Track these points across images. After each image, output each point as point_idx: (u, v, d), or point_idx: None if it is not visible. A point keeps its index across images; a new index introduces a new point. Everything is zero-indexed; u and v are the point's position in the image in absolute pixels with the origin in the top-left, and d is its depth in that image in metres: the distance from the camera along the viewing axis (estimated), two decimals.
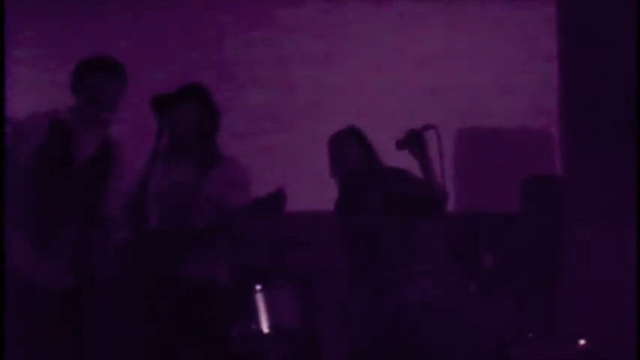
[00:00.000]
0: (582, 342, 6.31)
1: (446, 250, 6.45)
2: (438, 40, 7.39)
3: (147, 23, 7.46)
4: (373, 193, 5.20)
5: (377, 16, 7.45)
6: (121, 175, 4.80)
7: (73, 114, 4.74)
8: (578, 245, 6.78)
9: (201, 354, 4.66)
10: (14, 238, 4.56)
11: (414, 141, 5.10)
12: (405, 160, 5.22)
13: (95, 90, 4.71)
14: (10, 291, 4.54)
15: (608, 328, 6.42)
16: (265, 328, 6.02)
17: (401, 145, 5.14)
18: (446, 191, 5.14)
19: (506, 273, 6.80)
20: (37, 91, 7.26)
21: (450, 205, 5.35)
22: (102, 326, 4.75)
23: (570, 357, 6.31)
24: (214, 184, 4.65)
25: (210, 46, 7.46)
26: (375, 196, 5.20)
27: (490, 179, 7.10)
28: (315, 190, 7.30)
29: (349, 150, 5.32)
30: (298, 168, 7.34)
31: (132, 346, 4.84)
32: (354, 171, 5.29)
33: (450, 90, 7.28)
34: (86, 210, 4.66)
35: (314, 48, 7.45)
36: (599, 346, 6.30)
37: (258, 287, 6.09)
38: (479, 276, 6.52)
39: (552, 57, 7.33)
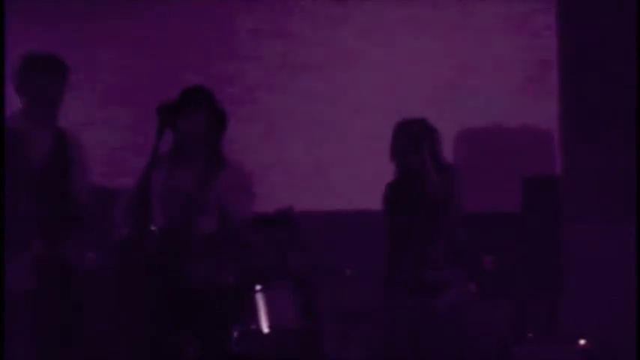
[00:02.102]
0: (582, 342, 6.32)
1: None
2: (438, 40, 7.39)
3: (147, 23, 7.46)
4: (424, 190, 5.15)
5: (378, 16, 7.44)
6: (82, 170, 4.81)
7: (22, 117, 4.75)
8: (578, 245, 6.78)
9: (202, 353, 4.67)
10: None
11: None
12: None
13: (39, 89, 4.72)
14: None
15: (608, 328, 6.42)
16: (265, 328, 6.02)
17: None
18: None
19: (506, 273, 6.79)
20: None
21: None
22: (111, 325, 4.76)
23: (570, 357, 6.31)
24: (219, 188, 4.66)
25: (212, 46, 7.46)
26: (425, 193, 5.15)
27: (490, 179, 7.10)
28: (317, 191, 7.31)
29: (413, 141, 5.18)
30: (302, 168, 7.35)
31: (135, 344, 4.85)
32: (413, 165, 5.21)
33: (449, 90, 7.28)
34: (50, 208, 4.66)
35: (314, 47, 7.45)
36: (599, 346, 6.31)
37: (258, 287, 6.09)
38: (479, 276, 6.52)
39: (552, 57, 7.32)
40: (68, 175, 4.74)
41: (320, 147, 7.35)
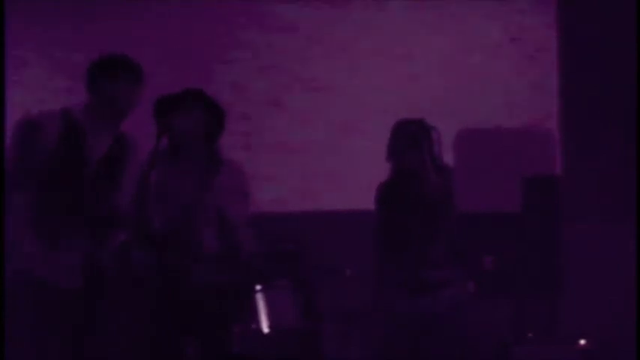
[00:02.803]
0: (582, 342, 6.32)
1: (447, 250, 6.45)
2: (438, 41, 7.40)
3: (147, 23, 7.47)
4: (423, 190, 5.14)
5: (379, 17, 7.45)
6: (135, 174, 4.78)
7: (86, 113, 4.69)
8: (578, 245, 6.78)
9: (202, 353, 4.68)
10: (26, 238, 4.55)
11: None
12: None
13: (110, 91, 4.65)
14: (21, 291, 4.54)
15: (608, 328, 6.42)
16: (265, 328, 6.03)
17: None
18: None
19: (506, 273, 6.80)
20: (35, 91, 7.28)
21: None
22: (111, 325, 4.76)
23: (570, 357, 6.31)
24: (216, 189, 4.66)
25: (212, 46, 7.46)
26: (423, 193, 5.15)
27: (490, 179, 7.11)
28: (317, 191, 7.32)
29: (412, 141, 5.16)
30: (302, 168, 7.35)
31: (135, 344, 4.86)
32: (412, 165, 5.19)
33: (450, 90, 7.28)
34: (99, 209, 4.64)
35: (314, 47, 7.46)
36: (599, 346, 6.31)
37: (258, 287, 6.10)
38: (479, 276, 6.52)
39: (552, 57, 7.33)
40: (120, 178, 4.71)
41: (320, 147, 7.36)
